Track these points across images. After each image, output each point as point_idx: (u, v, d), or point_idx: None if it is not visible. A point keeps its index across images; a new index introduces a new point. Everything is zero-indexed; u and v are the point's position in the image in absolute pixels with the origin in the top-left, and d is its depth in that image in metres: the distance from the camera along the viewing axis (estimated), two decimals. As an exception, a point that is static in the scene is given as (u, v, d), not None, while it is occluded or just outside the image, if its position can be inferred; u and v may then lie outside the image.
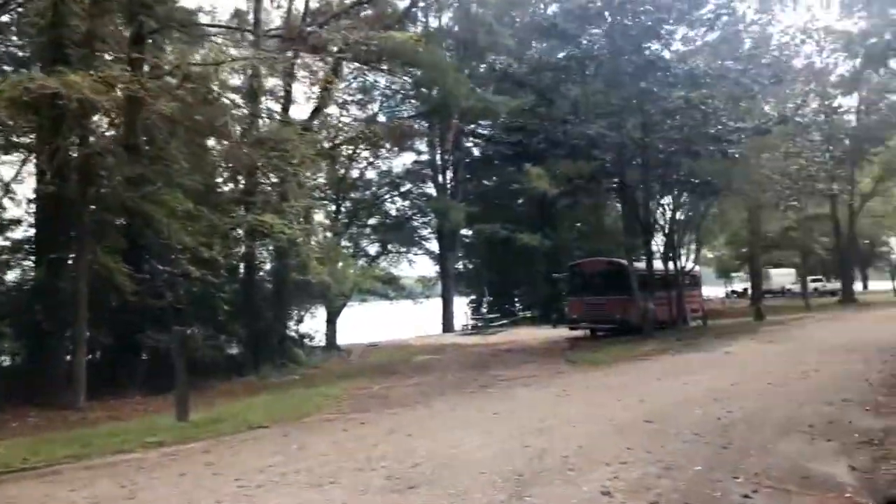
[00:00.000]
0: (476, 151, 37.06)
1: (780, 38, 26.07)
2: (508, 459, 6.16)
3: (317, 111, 21.57)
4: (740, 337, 19.49)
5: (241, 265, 18.98)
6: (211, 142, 16.85)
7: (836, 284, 51.55)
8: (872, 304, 35.15)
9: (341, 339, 25.43)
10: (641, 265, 22.24)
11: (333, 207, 26.48)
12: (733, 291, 57.55)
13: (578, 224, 36.73)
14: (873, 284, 60.87)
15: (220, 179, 18.45)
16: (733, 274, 56.80)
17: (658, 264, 23.08)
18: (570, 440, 6.89)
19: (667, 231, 24.09)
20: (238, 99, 17.65)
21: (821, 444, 6.46)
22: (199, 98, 13.39)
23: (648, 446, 6.49)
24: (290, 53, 15.78)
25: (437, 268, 34.38)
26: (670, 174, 21.00)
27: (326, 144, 22.92)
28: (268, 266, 20.95)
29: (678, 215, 24.53)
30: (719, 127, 17.78)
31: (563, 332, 24.49)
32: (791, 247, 44.91)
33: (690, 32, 21.32)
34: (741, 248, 45.85)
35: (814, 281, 49.80)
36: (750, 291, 45.18)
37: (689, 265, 25.79)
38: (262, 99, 19.29)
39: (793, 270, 52.85)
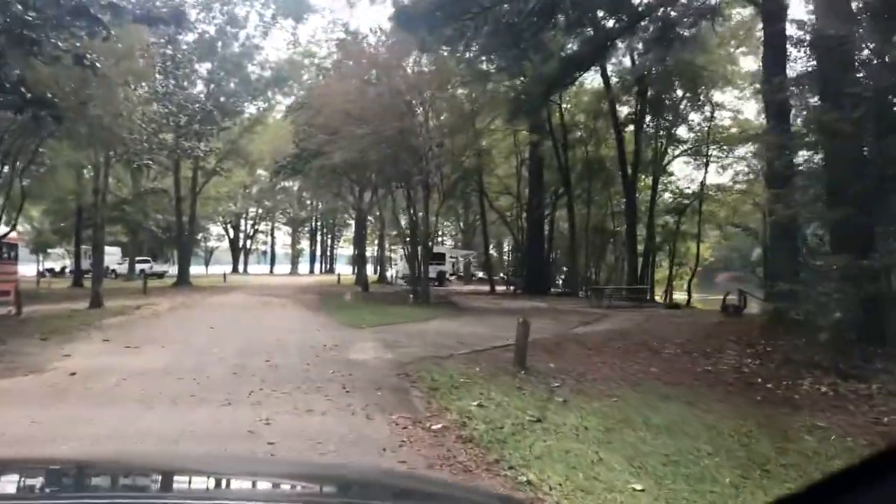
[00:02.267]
0: None
1: None
2: None
3: None
4: (81, 336, 13.16)
5: None
6: None
7: (164, 267, 49.22)
8: (207, 287, 33.02)
9: None
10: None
11: None
12: (49, 270, 48.65)
13: None
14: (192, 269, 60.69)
15: None
16: (50, 250, 47.52)
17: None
18: None
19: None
20: None
21: None
22: None
23: None
24: None
25: None
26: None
27: None
28: None
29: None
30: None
31: None
32: (120, 222, 39.97)
33: None
34: (63, 219, 37.69)
35: (140, 262, 46.12)
36: (71, 271, 37.84)
37: (4, 230, 17.34)
38: None
39: (118, 249, 47.67)
